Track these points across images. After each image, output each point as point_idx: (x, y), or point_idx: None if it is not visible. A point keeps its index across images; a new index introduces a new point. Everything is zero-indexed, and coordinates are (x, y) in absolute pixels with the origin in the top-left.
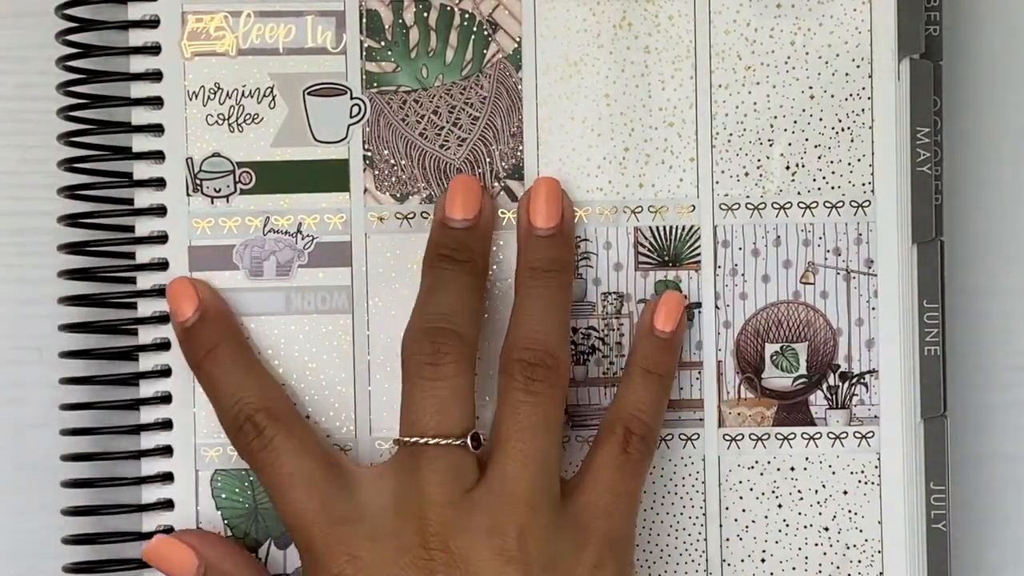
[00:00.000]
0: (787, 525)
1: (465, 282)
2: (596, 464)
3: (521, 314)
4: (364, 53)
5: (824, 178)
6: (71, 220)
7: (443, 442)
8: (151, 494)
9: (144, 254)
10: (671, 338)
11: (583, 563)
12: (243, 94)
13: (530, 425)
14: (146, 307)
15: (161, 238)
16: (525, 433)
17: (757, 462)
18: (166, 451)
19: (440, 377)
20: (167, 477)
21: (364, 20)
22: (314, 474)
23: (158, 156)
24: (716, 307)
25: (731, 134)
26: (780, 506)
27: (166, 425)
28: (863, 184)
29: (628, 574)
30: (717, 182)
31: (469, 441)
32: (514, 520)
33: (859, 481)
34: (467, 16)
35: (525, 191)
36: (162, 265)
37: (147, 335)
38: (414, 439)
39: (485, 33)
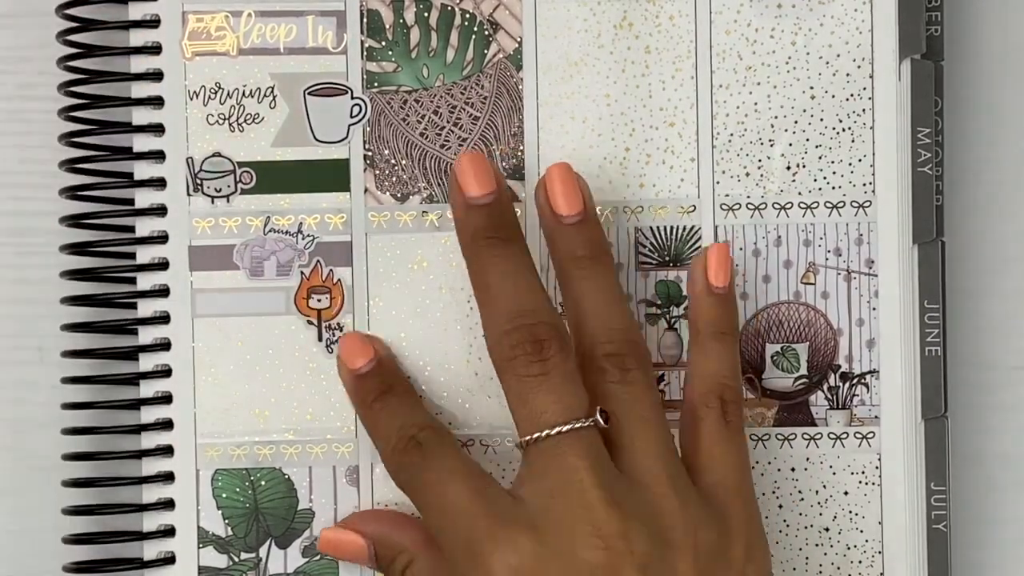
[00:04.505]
0: (787, 525)
1: (524, 263)
2: (705, 443)
3: (583, 308)
4: (365, 53)
5: (825, 178)
6: (72, 220)
7: (576, 426)
8: (152, 494)
9: (145, 254)
10: (728, 291)
11: (736, 546)
12: (244, 94)
13: (640, 415)
14: (146, 307)
15: (162, 238)
16: (642, 424)
17: (758, 462)
18: (167, 451)
19: (549, 370)
20: (168, 477)
21: (365, 20)
22: (475, 470)
23: (159, 156)
24: None
25: (732, 134)
26: (780, 506)
27: (167, 425)
28: (864, 184)
29: (767, 547)
30: (718, 182)
31: (599, 417)
32: (667, 507)
33: (860, 482)
34: (468, 16)
35: (539, 180)
36: (163, 265)
37: (147, 335)
38: (545, 432)
39: (486, 33)
